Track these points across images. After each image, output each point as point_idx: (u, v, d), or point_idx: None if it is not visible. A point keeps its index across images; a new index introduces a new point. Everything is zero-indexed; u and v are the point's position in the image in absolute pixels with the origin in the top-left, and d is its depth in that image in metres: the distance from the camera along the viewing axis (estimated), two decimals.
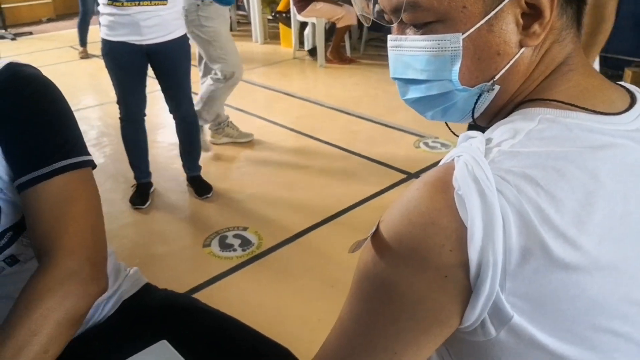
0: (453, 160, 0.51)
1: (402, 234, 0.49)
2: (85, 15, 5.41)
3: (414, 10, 0.55)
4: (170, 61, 2.41)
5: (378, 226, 0.53)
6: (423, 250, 0.48)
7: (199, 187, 2.74)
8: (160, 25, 2.29)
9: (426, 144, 3.20)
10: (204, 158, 3.12)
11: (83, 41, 5.53)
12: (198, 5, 2.70)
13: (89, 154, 0.84)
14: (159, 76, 2.46)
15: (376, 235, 0.52)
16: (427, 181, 0.50)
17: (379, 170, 2.93)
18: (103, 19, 2.30)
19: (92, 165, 0.84)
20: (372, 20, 0.64)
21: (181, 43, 2.41)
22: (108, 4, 2.23)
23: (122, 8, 2.21)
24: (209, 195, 2.70)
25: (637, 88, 0.61)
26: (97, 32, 2.57)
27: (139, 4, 2.22)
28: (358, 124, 3.62)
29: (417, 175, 2.85)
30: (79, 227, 0.77)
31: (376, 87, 4.37)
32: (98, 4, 2.32)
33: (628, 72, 3.75)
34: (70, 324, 0.73)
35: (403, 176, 2.83)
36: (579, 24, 0.58)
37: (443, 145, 3.18)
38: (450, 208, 0.47)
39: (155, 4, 2.24)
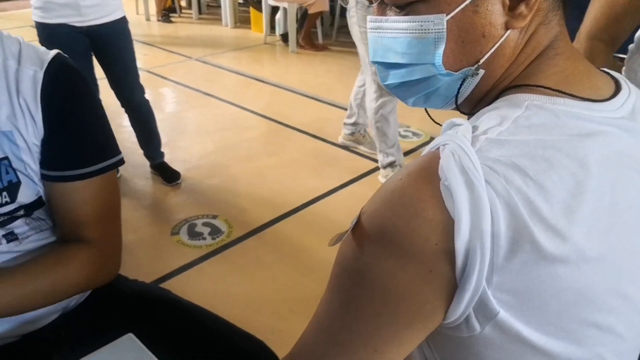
0: (438, 148, 0.48)
1: (385, 226, 0.47)
2: None
3: None
4: (114, 44, 2.30)
5: (359, 218, 0.50)
6: (407, 243, 0.46)
7: (167, 174, 2.66)
8: (100, 5, 2.18)
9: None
10: (172, 145, 3.05)
11: None
12: (357, 1, 2.47)
13: (119, 151, 0.90)
14: (104, 62, 2.34)
15: (357, 227, 0.50)
16: (411, 171, 0.48)
17: (350, 158, 2.91)
18: (36, 1, 2.13)
19: (122, 162, 0.90)
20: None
21: (122, 24, 2.30)
22: None
23: None
24: (178, 182, 2.63)
25: (621, 75, 0.60)
26: None
27: None
28: (330, 111, 3.59)
29: None
30: (106, 220, 0.88)
31: (348, 74, 4.32)
32: None
33: None
34: (83, 288, 0.88)
35: (374, 165, 2.82)
36: (565, 5, 0.56)
37: (415, 134, 3.18)
38: (436, 199, 0.45)
39: None
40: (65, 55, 0.86)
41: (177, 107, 3.77)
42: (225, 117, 3.45)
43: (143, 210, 2.49)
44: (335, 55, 4.86)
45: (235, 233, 2.25)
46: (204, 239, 2.21)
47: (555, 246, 0.45)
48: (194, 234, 2.24)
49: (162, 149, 2.70)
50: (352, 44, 2.68)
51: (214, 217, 2.36)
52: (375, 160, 2.84)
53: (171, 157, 2.76)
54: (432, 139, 0.62)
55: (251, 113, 3.55)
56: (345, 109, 3.01)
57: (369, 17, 0.58)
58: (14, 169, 0.80)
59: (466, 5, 0.50)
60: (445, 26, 0.51)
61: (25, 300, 0.79)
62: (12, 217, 0.82)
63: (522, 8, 0.51)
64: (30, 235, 0.86)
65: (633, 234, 0.51)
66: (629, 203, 0.50)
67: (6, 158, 0.80)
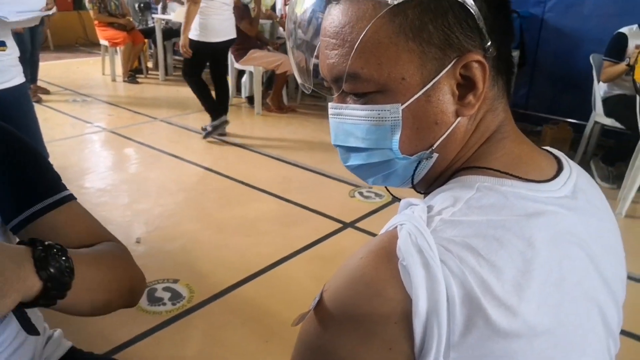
0: (396, 227, 0.51)
1: (347, 304, 0.49)
2: None
3: (355, 81, 0.56)
4: (16, 108, 2.24)
5: (321, 295, 0.51)
6: (368, 322, 0.47)
7: None
8: (1, 71, 2.15)
9: (361, 194, 3.26)
10: (133, 207, 3.01)
11: None
12: None
13: None
14: None
15: (320, 305, 0.51)
16: (371, 250, 0.50)
17: (315, 219, 2.93)
18: None
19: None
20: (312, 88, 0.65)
21: (22, 89, 2.27)
22: None
23: None
24: None
25: (561, 153, 0.65)
26: None
27: None
28: (294, 172, 3.64)
29: (352, 224, 2.88)
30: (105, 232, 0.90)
31: (313, 136, 4.43)
32: None
33: (546, 129, 4.03)
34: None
35: (338, 225, 2.85)
36: (508, 93, 0.62)
37: (377, 195, 3.25)
38: (395, 279, 0.47)
39: None
40: None
41: (140, 168, 3.75)
42: (189, 178, 3.44)
43: None
44: (300, 117, 4.97)
45: (197, 298, 2.20)
46: (164, 304, 2.15)
47: (507, 322, 0.47)
48: (153, 300, 2.18)
49: (124, 211, 2.65)
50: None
51: (175, 281, 2.31)
52: (340, 221, 2.87)
53: (131, 219, 2.71)
54: (393, 199, 0.65)
55: (215, 174, 3.56)
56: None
57: (330, 104, 0.61)
58: None
59: (419, 95, 0.55)
60: (400, 114, 0.55)
61: (99, 287, 0.77)
62: None
63: (470, 97, 0.56)
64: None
65: (581, 308, 0.54)
66: (576, 278, 0.54)
67: None
